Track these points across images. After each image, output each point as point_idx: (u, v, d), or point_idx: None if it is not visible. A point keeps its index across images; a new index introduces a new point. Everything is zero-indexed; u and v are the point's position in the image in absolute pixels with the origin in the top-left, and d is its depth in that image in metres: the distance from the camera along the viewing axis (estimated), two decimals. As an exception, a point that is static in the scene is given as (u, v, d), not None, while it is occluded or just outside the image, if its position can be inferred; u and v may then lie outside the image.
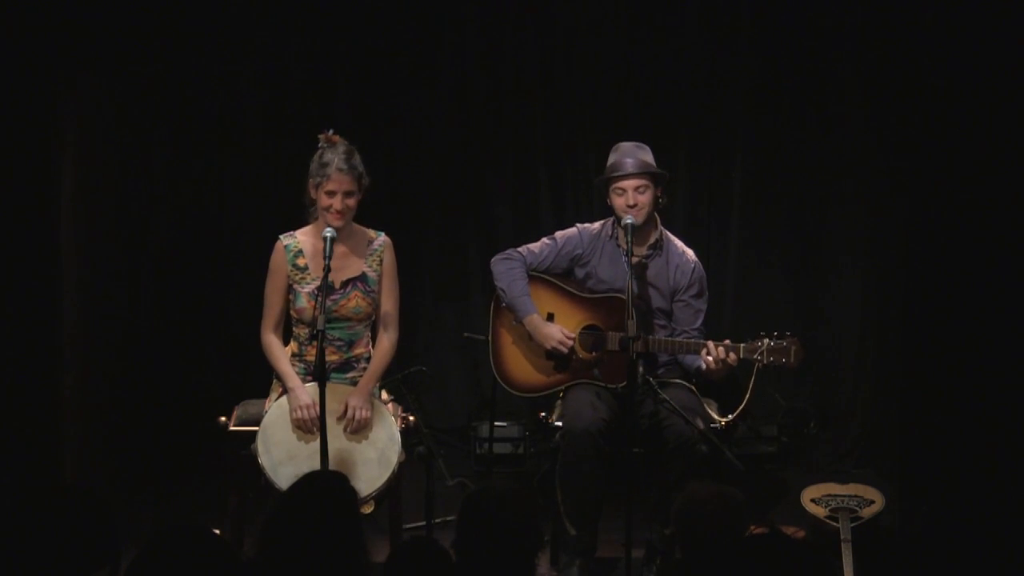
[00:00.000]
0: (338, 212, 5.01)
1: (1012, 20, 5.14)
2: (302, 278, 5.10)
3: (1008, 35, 5.16)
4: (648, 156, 5.38)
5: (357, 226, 5.17)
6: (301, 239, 5.15)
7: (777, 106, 6.75)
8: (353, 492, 3.75)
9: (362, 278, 5.14)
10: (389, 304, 5.18)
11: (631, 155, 5.37)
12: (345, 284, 5.11)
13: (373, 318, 5.20)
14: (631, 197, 5.32)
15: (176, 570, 3.20)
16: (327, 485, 3.68)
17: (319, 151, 5.07)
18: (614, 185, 5.36)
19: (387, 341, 5.18)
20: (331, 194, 5.01)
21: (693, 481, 4.31)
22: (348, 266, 5.10)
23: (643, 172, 5.32)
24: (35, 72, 5.34)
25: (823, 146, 6.76)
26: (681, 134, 6.77)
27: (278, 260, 5.14)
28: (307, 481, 3.72)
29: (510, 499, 3.66)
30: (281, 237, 5.16)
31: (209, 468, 5.77)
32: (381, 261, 5.17)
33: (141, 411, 6.51)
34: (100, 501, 3.34)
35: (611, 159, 5.41)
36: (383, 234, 5.23)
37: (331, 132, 5.10)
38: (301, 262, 5.11)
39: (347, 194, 5.03)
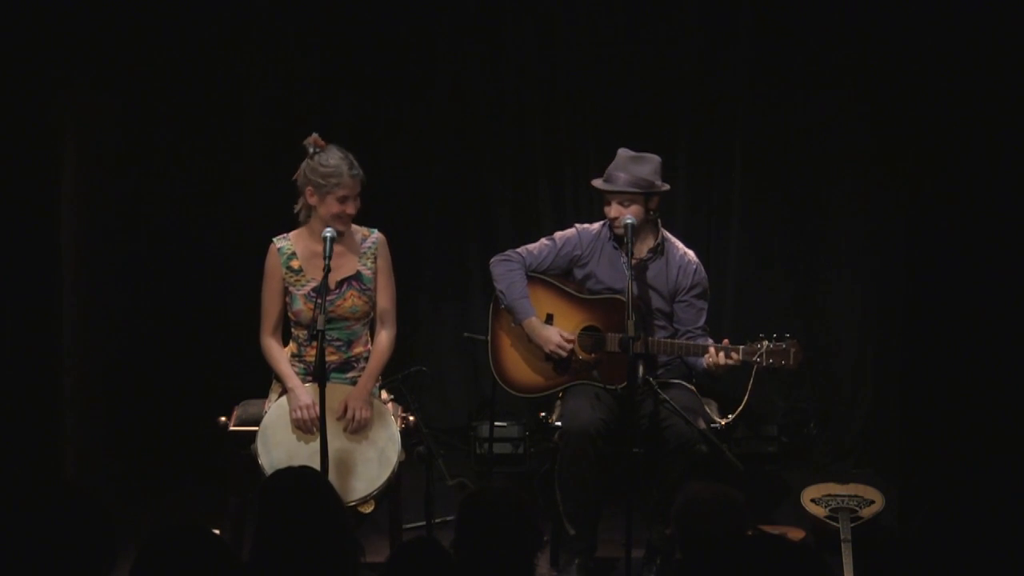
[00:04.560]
0: (349, 216, 5.02)
1: (1013, 17, 5.14)
2: (296, 280, 5.10)
3: (1010, 33, 5.15)
4: (645, 168, 5.35)
5: (351, 225, 5.17)
6: (294, 241, 5.14)
7: (777, 106, 6.75)
8: (326, 484, 3.74)
9: (357, 277, 5.14)
10: (386, 300, 5.18)
11: (624, 168, 5.37)
12: (340, 284, 5.11)
13: (371, 316, 5.20)
14: (614, 210, 5.35)
15: (176, 570, 3.20)
16: (295, 481, 3.67)
17: (313, 156, 5.03)
18: (604, 193, 5.39)
19: (385, 337, 5.18)
20: (344, 200, 5.01)
21: (693, 481, 4.31)
22: (343, 265, 5.10)
23: (625, 191, 5.31)
24: (35, 72, 5.34)
25: (823, 146, 6.76)
26: (681, 134, 6.77)
27: (272, 263, 5.13)
28: (275, 479, 3.71)
29: (510, 499, 3.66)
30: (274, 240, 5.15)
31: (209, 468, 5.77)
32: (375, 258, 5.17)
33: (141, 411, 6.51)
34: (97, 501, 3.33)
35: (610, 166, 5.42)
36: (376, 231, 5.22)
37: (317, 136, 5.08)
38: (295, 264, 5.11)
39: (355, 198, 5.03)
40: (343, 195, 5.01)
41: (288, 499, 3.56)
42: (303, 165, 5.06)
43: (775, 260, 6.88)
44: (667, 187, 5.43)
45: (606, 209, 5.40)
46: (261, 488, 3.67)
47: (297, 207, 5.13)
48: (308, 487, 3.63)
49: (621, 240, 5.37)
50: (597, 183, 5.44)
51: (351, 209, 5.03)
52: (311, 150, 5.05)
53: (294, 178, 5.10)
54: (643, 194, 5.33)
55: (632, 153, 5.41)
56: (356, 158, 5.09)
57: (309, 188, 5.04)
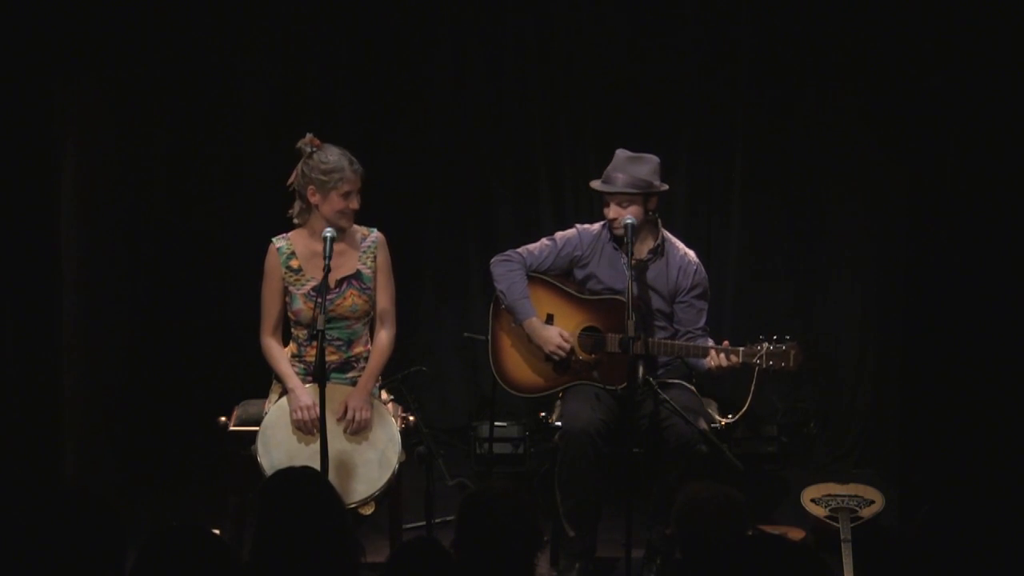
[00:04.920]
0: (353, 211, 5.03)
1: (1013, 15, 5.14)
2: (296, 280, 5.10)
3: (1010, 31, 5.15)
4: (643, 168, 5.35)
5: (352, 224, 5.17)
6: (293, 240, 5.14)
7: (777, 106, 6.75)
8: (327, 485, 3.74)
9: (357, 276, 5.14)
10: (385, 300, 5.18)
11: (622, 168, 5.37)
12: (340, 283, 5.11)
13: (371, 315, 5.20)
14: (613, 211, 5.34)
15: (176, 570, 3.20)
16: (296, 481, 3.67)
17: (311, 156, 5.03)
18: (603, 194, 5.39)
19: (385, 337, 5.18)
20: (348, 195, 5.02)
21: (693, 481, 4.31)
22: (343, 264, 5.10)
23: (623, 192, 5.31)
24: (35, 71, 5.34)
25: (823, 146, 6.76)
26: (681, 133, 6.77)
27: (272, 263, 5.13)
28: (276, 479, 3.71)
29: (510, 499, 3.66)
30: (274, 239, 5.15)
31: (209, 468, 5.77)
32: (375, 257, 5.17)
33: (141, 411, 6.51)
34: (106, 504, 3.34)
35: (608, 166, 5.42)
36: (375, 230, 5.22)
37: (312, 135, 5.08)
38: (294, 264, 5.11)
39: (358, 193, 5.04)
40: (347, 190, 5.02)
41: (289, 499, 3.56)
42: (300, 167, 5.06)
43: (775, 260, 6.88)
44: (666, 187, 5.44)
45: (605, 210, 5.40)
46: (262, 488, 3.67)
47: (292, 211, 5.13)
48: (309, 487, 3.63)
49: (621, 240, 5.37)
50: (595, 184, 5.44)
51: (355, 204, 5.04)
52: (308, 150, 5.05)
53: (289, 183, 5.10)
54: (641, 195, 5.33)
55: (630, 153, 5.41)
56: (356, 158, 5.10)
57: (311, 188, 5.04)
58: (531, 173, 6.91)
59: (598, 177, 5.50)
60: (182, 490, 6.23)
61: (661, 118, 6.72)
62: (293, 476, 3.70)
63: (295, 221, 5.15)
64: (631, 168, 5.35)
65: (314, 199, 5.05)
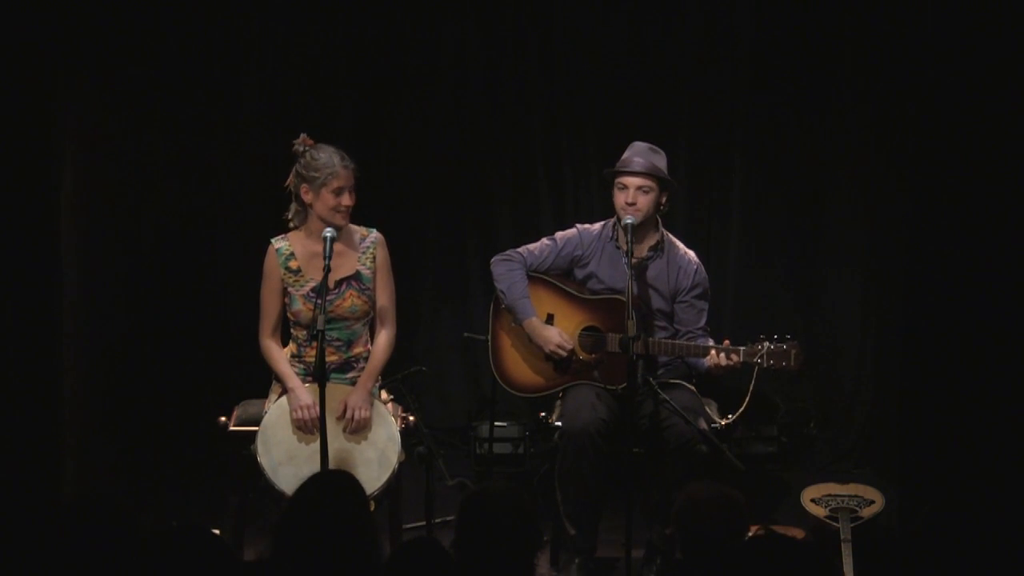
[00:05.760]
0: (347, 208, 5.02)
1: (1013, 14, 5.14)
2: (296, 281, 5.10)
3: (1009, 30, 5.15)
4: (661, 161, 5.37)
5: (350, 225, 5.17)
6: (292, 241, 5.14)
7: (777, 105, 6.75)
8: (362, 490, 3.74)
9: (356, 276, 5.14)
10: (385, 299, 5.18)
11: (642, 155, 5.36)
12: (340, 283, 5.11)
13: (371, 316, 5.20)
14: (632, 195, 5.31)
15: (176, 570, 3.20)
16: (336, 485, 3.68)
17: (304, 155, 5.04)
18: (618, 180, 5.35)
19: (385, 337, 5.18)
20: (339, 192, 5.01)
21: (693, 481, 4.32)
22: (342, 265, 5.10)
23: (649, 173, 5.31)
24: (34, 72, 5.34)
25: (823, 145, 6.77)
26: (681, 133, 6.77)
27: (271, 264, 5.13)
28: (315, 482, 3.72)
29: (509, 499, 3.66)
30: (273, 240, 5.15)
31: (209, 468, 5.77)
32: (374, 257, 5.17)
33: (141, 412, 6.51)
34: (122, 512, 3.35)
35: (624, 154, 5.41)
36: (375, 230, 5.22)
37: (305, 135, 5.09)
38: (293, 265, 5.11)
39: (351, 190, 5.04)
40: (338, 186, 5.01)
41: (329, 505, 3.55)
42: (294, 168, 5.08)
43: (775, 260, 6.88)
44: (675, 186, 5.47)
45: (621, 195, 5.33)
46: (299, 492, 3.65)
47: (288, 213, 5.14)
48: (348, 494, 3.63)
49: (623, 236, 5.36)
50: (621, 170, 5.34)
51: (347, 201, 5.03)
52: (301, 149, 5.06)
53: (285, 185, 5.11)
54: (659, 185, 5.31)
55: (650, 145, 5.40)
56: (357, 158, 5.10)
57: (304, 186, 5.05)
58: (531, 173, 6.91)
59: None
60: (182, 490, 6.23)
61: (661, 117, 6.71)
62: (334, 482, 3.70)
63: (291, 224, 5.15)
64: (652, 157, 5.35)
65: (307, 197, 5.05)
